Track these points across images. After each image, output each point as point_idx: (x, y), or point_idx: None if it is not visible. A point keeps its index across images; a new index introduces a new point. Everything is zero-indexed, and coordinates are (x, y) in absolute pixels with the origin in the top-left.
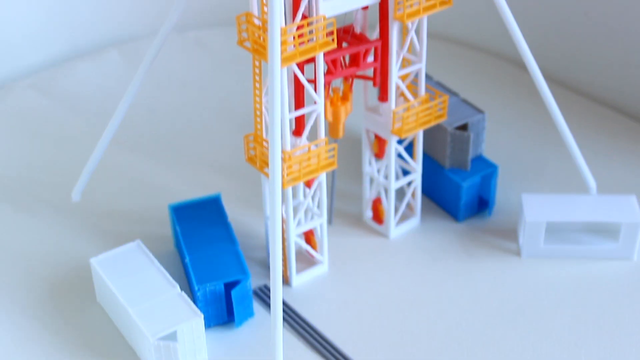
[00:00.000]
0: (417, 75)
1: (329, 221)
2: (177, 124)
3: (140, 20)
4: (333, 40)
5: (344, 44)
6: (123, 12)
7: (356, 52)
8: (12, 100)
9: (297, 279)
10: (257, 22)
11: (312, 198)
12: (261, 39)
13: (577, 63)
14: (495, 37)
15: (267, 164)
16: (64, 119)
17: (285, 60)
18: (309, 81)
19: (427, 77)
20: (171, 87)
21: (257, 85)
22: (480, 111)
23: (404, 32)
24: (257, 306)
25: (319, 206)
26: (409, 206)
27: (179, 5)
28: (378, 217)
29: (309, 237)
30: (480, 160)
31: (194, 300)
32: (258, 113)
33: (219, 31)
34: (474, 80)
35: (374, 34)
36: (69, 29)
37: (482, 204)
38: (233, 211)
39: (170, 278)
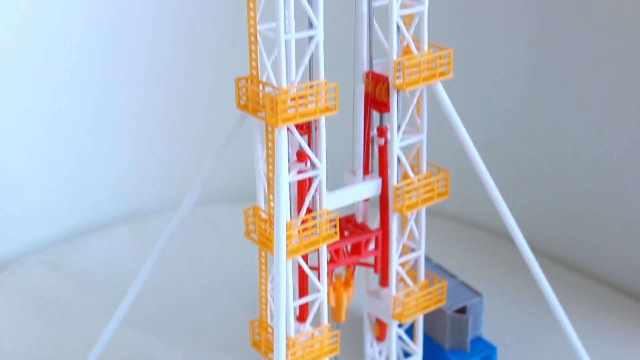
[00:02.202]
0: (417, 261)
1: None
2: (183, 302)
3: (150, 196)
4: (336, 233)
5: (346, 233)
6: (133, 188)
7: (358, 241)
8: (23, 276)
9: None
10: (263, 215)
11: None
12: (267, 232)
13: (572, 241)
14: (492, 214)
15: (271, 350)
16: (74, 296)
17: (290, 253)
18: (313, 268)
19: (426, 259)
20: (178, 264)
21: (263, 274)
22: (478, 294)
23: (403, 221)
24: None
25: None
26: None
27: (197, 187)
28: None
29: None
30: (479, 341)
31: None
32: (264, 300)
33: (226, 208)
34: (472, 258)
35: (374, 223)
36: (80, 205)
37: None
38: None
39: None
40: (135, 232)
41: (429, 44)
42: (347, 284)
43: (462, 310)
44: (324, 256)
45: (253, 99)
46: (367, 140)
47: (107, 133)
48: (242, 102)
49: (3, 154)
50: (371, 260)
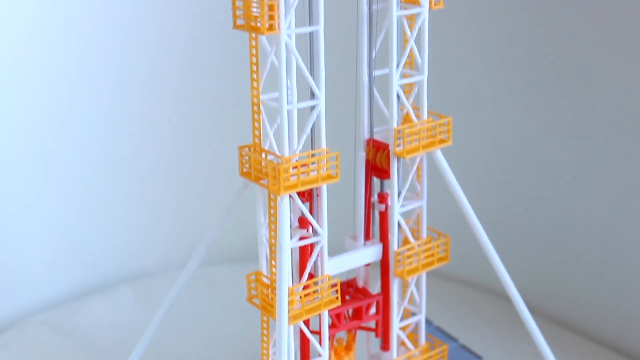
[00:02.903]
0: (417, 325)
1: None
2: None
3: (152, 257)
4: (337, 298)
5: (347, 297)
6: (134, 249)
7: (359, 306)
8: (25, 337)
9: None
10: (265, 280)
11: None
12: (269, 297)
13: (572, 303)
14: (493, 276)
15: None
16: (76, 357)
17: (292, 318)
18: (314, 333)
19: (427, 321)
20: (179, 324)
21: (265, 338)
22: (478, 357)
23: (404, 285)
24: None
25: None
26: None
27: (199, 253)
28: None
29: None
30: None
31: None
32: None
33: (228, 268)
34: (473, 320)
35: (375, 287)
36: (82, 266)
37: None
38: None
39: None
40: (137, 293)
41: (428, 112)
42: (348, 348)
43: None
44: (326, 321)
45: (256, 167)
46: (368, 206)
47: (109, 194)
48: (245, 170)
49: (5, 215)
50: (372, 324)
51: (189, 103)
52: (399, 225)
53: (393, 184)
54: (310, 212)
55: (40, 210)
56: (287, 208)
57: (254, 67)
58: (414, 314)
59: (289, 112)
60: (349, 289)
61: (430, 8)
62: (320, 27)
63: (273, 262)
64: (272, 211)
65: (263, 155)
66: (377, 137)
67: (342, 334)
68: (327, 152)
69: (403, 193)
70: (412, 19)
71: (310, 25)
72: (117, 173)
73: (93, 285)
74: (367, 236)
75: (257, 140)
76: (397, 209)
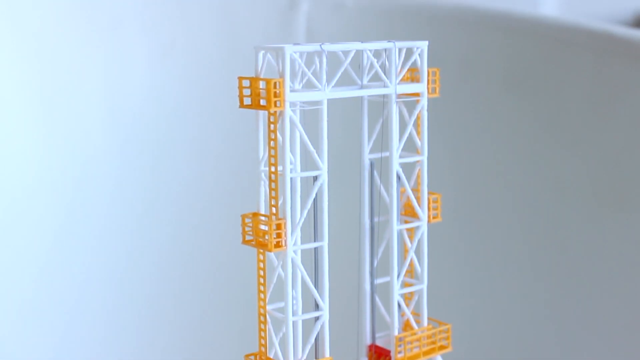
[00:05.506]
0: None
1: None
2: None
3: None
4: None
5: None
6: None
7: None
8: None
9: None
10: None
11: None
12: None
13: None
14: None
15: None
16: None
17: None
18: None
19: None
20: None
21: None
22: None
23: None
24: None
25: None
26: None
27: None
28: None
29: None
30: None
31: None
32: None
33: None
34: None
35: None
36: None
37: None
38: None
39: None
40: None
41: (428, 319)
42: None
43: None
44: None
45: None
46: None
47: None
48: None
49: None
50: None
51: (195, 307)
52: None
53: None
54: None
55: None
56: None
57: (261, 280)
58: None
59: (294, 323)
60: None
61: (429, 222)
62: (324, 243)
63: None
64: None
65: None
66: (378, 342)
67: None
68: None
69: None
70: (412, 231)
71: (315, 241)
72: None
73: None
74: None
75: (262, 349)
76: None
